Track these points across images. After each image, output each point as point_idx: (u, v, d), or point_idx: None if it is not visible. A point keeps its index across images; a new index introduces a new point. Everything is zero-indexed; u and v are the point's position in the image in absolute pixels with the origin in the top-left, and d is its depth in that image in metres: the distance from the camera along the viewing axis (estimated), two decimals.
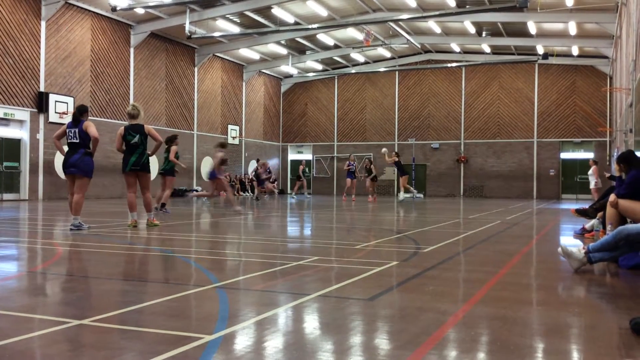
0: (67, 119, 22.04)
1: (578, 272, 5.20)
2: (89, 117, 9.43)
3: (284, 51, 32.05)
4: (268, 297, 4.12)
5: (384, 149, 22.47)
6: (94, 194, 22.79)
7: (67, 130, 9.00)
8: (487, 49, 31.35)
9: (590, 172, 21.51)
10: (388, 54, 33.72)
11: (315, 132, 37.54)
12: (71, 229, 8.82)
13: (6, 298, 4.05)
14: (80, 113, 9.00)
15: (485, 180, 33.13)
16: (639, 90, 13.12)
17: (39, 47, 21.37)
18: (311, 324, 3.37)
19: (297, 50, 32.24)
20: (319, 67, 35.69)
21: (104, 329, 3.14)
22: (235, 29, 26.74)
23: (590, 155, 30.71)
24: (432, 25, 27.79)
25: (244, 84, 34.07)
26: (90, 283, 4.66)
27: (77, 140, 8.89)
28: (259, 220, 12.04)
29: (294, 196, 26.22)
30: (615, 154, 24.54)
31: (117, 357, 2.64)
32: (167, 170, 13.92)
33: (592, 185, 21.48)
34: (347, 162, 23.95)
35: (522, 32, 27.75)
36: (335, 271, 5.31)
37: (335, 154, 36.61)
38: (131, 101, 25.37)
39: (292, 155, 38.53)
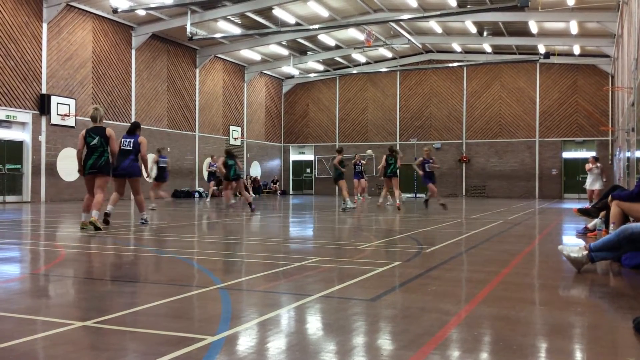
0: (69, 121, 22.11)
1: (580, 272, 5.19)
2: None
3: (285, 52, 32.07)
4: (271, 298, 4.13)
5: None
6: None
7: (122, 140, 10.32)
8: (489, 49, 31.33)
9: (596, 170, 17.32)
10: (389, 54, 33.70)
11: (317, 133, 37.54)
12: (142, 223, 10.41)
13: (9, 300, 4.05)
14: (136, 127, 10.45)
15: (487, 180, 33.10)
16: None
17: (41, 50, 21.40)
18: (314, 324, 3.38)
19: (299, 51, 32.25)
20: (320, 67, 35.70)
21: (107, 330, 3.14)
22: (237, 30, 26.77)
23: (592, 154, 30.65)
24: (433, 25, 27.78)
25: (245, 85, 34.09)
26: (93, 285, 4.66)
27: (130, 148, 10.18)
28: (261, 221, 12.04)
29: (361, 196, 26.08)
30: (618, 153, 24.49)
31: (120, 359, 2.64)
32: (335, 178, 15.45)
33: (592, 187, 17.48)
34: (354, 162, 23.55)
35: (524, 31, 27.72)
36: (337, 272, 5.32)
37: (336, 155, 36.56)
38: (132, 103, 25.42)
39: (293, 156, 38.54)
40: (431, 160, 17.13)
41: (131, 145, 10.20)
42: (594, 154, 30.36)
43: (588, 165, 17.73)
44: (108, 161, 9.53)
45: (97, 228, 9.06)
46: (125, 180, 10.30)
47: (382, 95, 35.71)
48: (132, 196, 10.72)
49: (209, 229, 10.38)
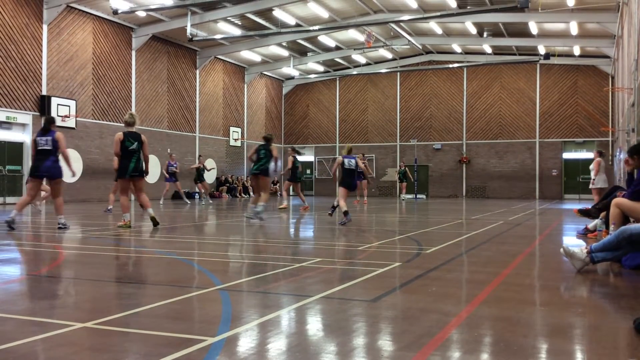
0: (70, 123, 22.11)
1: (581, 272, 5.19)
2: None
3: (285, 53, 32.07)
4: (271, 299, 4.12)
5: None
6: (97, 196, 22.82)
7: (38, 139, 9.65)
8: (489, 50, 31.33)
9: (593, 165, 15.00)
10: (389, 55, 33.71)
11: (317, 134, 37.54)
12: (60, 227, 9.61)
13: (9, 301, 4.05)
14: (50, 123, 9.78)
15: (487, 180, 33.09)
16: None
17: (41, 51, 21.40)
18: (314, 325, 3.37)
19: (299, 51, 32.26)
20: (321, 68, 35.71)
21: (107, 331, 3.14)
22: (237, 31, 26.77)
23: (592, 155, 30.53)
24: (433, 26, 27.79)
25: (245, 86, 34.10)
26: (93, 286, 4.66)
27: (50, 148, 9.59)
28: (262, 222, 12.04)
29: (404, 197, 26.87)
30: (618, 154, 24.49)
31: None
32: (264, 170, 12.82)
33: (595, 185, 14.77)
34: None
35: (524, 32, 27.73)
36: (338, 273, 5.31)
37: (338, 156, 36.56)
38: (133, 104, 25.42)
39: None
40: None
41: (50, 143, 9.57)
42: (593, 155, 30.37)
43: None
44: (143, 165, 10.24)
45: (156, 223, 9.96)
46: (42, 182, 9.92)
47: (382, 96, 35.71)
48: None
49: (209, 230, 10.38)
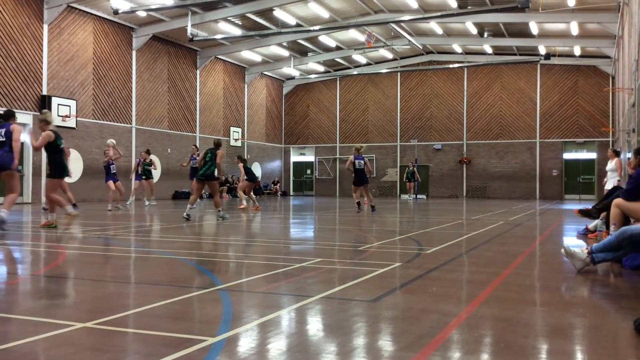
0: (70, 123, 22.11)
1: (581, 273, 5.19)
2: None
3: (285, 53, 32.08)
4: (271, 299, 4.12)
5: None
6: (97, 196, 22.82)
7: None
8: (489, 50, 31.33)
9: (611, 166, 13.41)
10: (390, 55, 33.70)
11: (317, 134, 37.54)
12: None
13: (10, 301, 4.06)
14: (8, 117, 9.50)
15: (487, 181, 33.08)
16: None
17: (42, 51, 21.40)
18: (314, 325, 3.37)
19: (299, 52, 32.26)
20: (321, 68, 35.71)
21: (107, 331, 3.14)
22: (237, 31, 26.78)
23: (593, 155, 30.66)
24: (434, 26, 27.78)
25: (246, 86, 34.10)
26: (93, 286, 4.66)
27: (4, 139, 9.21)
28: (262, 222, 12.04)
29: (410, 197, 27.39)
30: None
31: None
32: (209, 175, 12.33)
33: (608, 185, 13.13)
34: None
35: (524, 32, 27.73)
36: (338, 273, 5.31)
37: (338, 156, 36.60)
38: (133, 104, 25.42)
39: (294, 157, 38.54)
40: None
41: (3, 135, 9.16)
42: (595, 155, 30.45)
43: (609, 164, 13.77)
44: None
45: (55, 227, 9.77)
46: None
47: (382, 96, 35.71)
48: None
49: (209, 230, 10.38)
